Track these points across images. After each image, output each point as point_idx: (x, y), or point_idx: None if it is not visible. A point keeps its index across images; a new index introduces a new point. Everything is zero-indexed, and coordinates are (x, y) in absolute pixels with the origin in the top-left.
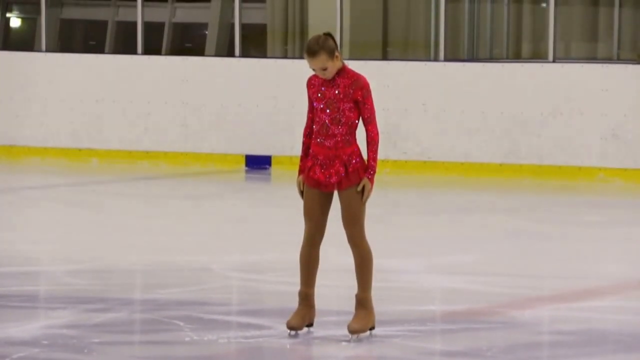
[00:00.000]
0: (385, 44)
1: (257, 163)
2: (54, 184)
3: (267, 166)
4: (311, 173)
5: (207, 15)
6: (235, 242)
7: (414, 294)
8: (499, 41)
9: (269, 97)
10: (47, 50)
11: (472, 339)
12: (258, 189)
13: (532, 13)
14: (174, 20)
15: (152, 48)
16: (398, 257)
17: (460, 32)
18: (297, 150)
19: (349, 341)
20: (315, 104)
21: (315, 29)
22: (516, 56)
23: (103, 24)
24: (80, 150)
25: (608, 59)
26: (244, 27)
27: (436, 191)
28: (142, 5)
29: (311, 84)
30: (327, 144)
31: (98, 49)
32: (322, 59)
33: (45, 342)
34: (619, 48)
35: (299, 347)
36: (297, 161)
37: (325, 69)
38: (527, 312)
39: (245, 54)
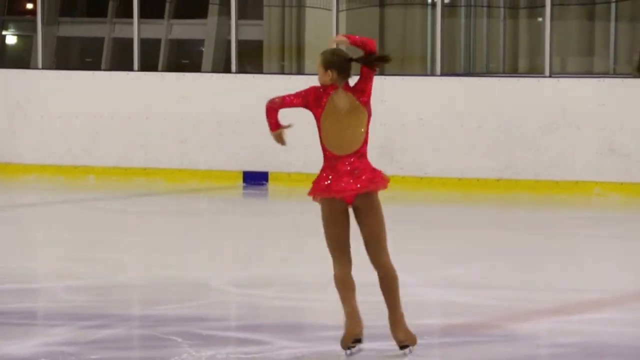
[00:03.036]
0: None
1: (255, 179)
2: (51, 201)
3: (265, 182)
4: (333, 185)
5: (203, 32)
6: (233, 258)
7: (412, 308)
8: (495, 56)
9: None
10: (44, 68)
11: (470, 352)
12: (255, 204)
13: (528, 28)
14: (171, 36)
15: (149, 64)
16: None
17: (457, 46)
18: (294, 166)
19: (409, 352)
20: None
21: (311, 46)
22: (512, 71)
23: (99, 41)
24: (76, 167)
25: (604, 74)
26: (240, 43)
27: (433, 206)
28: (139, 22)
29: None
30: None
31: (94, 65)
32: (318, 60)
33: (44, 359)
34: (615, 62)
35: None
36: (295, 177)
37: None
38: (526, 325)
39: (241, 70)
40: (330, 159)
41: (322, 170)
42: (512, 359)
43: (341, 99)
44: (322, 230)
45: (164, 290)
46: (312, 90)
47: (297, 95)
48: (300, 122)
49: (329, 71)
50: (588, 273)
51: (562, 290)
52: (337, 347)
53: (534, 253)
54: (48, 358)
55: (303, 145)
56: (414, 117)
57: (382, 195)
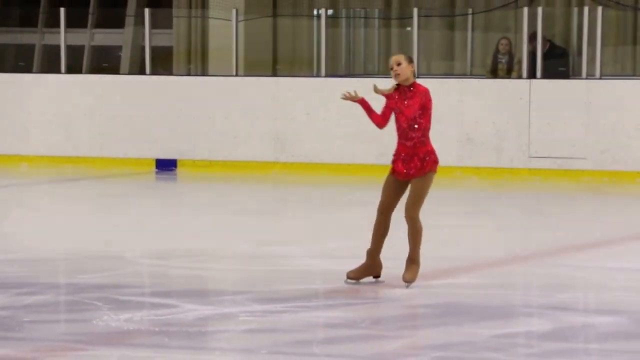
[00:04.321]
0: (274, 62)
1: (165, 166)
2: None
3: (174, 168)
4: (394, 165)
5: (121, 39)
6: (146, 233)
7: (299, 276)
8: (372, 59)
9: (175, 109)
10: None
11: (349, 312)
12: (166, 187)
13: (399, 36)
14: (93, 43)
15: (74, 68)
16: (285, 245)
17: (339, 52)
18: (199, 154)
19: (406, 287)
20: (395, 114)
21: (214, 51)
22: (386, 72)
23: (31, 48)
24: (10, 156)
25: (463, 75)
26: (153, 49)
27: (319, 188)
28: (65, 31)
29: (392, 96)
30: (407, 144)
31: (27, 69)
32: (402, 57)
33: None
34: (472, 65)
35: (204, 322)
36: (200, 164)
37: (399, 64)
38: (396, 290)
39: (154, 72)
40: None
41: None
42: (383, 317)
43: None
44: (223, 209)
45: (86, 262)
46: (389, 99)
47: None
48: (202, 115)
49: (413, 66)
50: (445, 244)
51: (427, 258)
52: (236, 308)
53: (400, 227)
54: None
55: (206, 136)
56: (302, 111)
57: (276, 179)
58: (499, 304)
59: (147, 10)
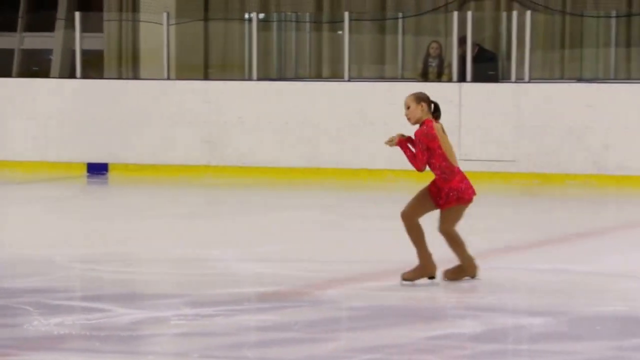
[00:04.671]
0: (206, 65)
1: (97, 170)
2: None
3: (105, 172)
4: (431, 185)
5: (52, 43)
6: (77, 237)
7: (231, 279)
8: (303, 63)
9: (106, 113)
10: None
11: (281, 315)
12: (97, 191)
13: (330, 39)
14: (23, 47)
15: (4, 71)
16: (216, 248)
17: (271, 55)
18: (131, 158)
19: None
20: None
21: (146, 54)
22: (317, 76)
23: None
24: None
25: (394, 78)
26: (84, 52)
27: (252, 191)
28: None
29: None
30: (436, 178)
31: None
32: (411, 99)
33: None
34: (403, 69)
35: (137, 326)
36: (131, 168)
37: (408, 107)
38: (328, 292)
39: (85, 75)
40: (460, 171)
41: (463, 180)
42: (315, 320)
43: (438, 126)
44: (154, 212)
45: (16, 266)
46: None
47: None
48: (133, 119)
49: (421, 103)
50: (377, 247)
51: (355, 261)
52: (169, 312)
53: (333, 230)
54: None
55: (138, 139)
56: (234, 115)
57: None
58: (430, 306)
59: (77, 14)
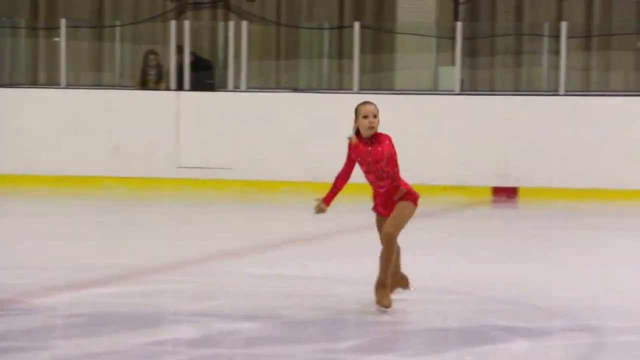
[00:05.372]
0: None
1: None
2: None
3: None
4: (376, 209)
5: None
6: None
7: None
8: (19, 70)
9: None
10: None
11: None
12: None
13: (46, 46)
14: None
15: None
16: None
17: None
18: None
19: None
20: (361, 167)
21: None
22: (33, 82)
23: None
24: None
25: (111, 85)
26: None
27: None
28: None
29: (354, 147)
30: (381, 191)
31: None
32: (376, 108)
33: None
34: (121, 76)
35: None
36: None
37: (375, 116)
38: (46, 300)
39: None
40: None
41: (406, 184)
42: (30, 328)
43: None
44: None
45: None
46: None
47: (346, 162)
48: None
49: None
50: (98, 253)
51: (78, 267)
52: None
53: (56, 237)
54: None
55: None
56: None
57: None
58: (148, 312)
59: None
